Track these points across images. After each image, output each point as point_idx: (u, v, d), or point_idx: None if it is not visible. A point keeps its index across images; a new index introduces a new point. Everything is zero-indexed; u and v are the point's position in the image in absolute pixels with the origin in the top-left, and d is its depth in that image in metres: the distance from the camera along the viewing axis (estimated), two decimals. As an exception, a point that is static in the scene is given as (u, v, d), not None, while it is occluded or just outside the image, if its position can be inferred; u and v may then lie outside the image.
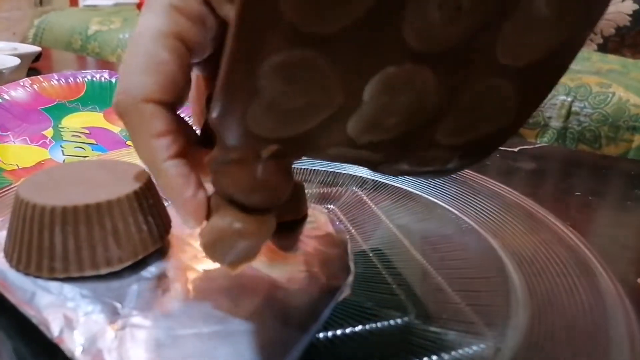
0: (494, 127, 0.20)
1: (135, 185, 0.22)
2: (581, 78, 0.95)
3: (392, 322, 0.22)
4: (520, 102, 0.19)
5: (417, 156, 0.20)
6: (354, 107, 0.16)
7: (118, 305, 0.19)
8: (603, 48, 1.36)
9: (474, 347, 0.21)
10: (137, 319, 0.19)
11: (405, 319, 0.22)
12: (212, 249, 0.19)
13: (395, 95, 0.16)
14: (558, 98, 0.92)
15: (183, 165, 0.18)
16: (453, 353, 0.20)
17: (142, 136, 0.18)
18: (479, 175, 0.36)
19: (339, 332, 0.21)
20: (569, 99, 0.92)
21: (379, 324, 0.22)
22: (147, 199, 0.22)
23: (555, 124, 0.93)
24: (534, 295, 0.24)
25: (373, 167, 0.21)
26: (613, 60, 1.17)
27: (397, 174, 0.22)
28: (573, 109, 0.91)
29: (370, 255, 0.27)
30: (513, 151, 0.53)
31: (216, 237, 0.18)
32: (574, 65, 1.13)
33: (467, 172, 0.36)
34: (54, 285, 0.20)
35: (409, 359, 0.20)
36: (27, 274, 0.21)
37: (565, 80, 0.94)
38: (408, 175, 0.24)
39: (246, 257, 0.19)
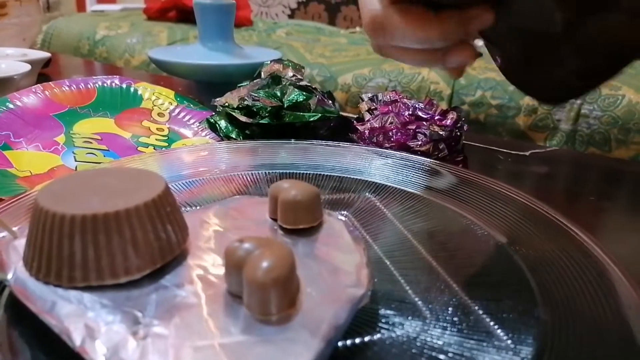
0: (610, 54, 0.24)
1: (153, 193, 0.22)
2: (590, 80, 0.95)
3: (410, 330, 0.22)
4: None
5: (598, 24, 0.24)
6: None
7: (139, 314, 0.19)
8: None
9: (493, 356, 0.21)
10: (158, 328, 0.19)
11: (424, 327, 0.22)
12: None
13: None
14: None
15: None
16: (474, 362, 0.20)
17: None
18: (491, 179, 0.36)
19: (357, 340, 0.21)
20: (578, 102, 0.91)
21: (397, 332, 0.22)
22: (165, 207, 0.22)
23: (565, 126, 0.92)
24: (552, 302, 0.24)
25: (548, 43, 0.26)
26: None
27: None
28: (582, 111, 0.91)
29: (387, 262, 0.27)
30: (524, 155, 0.52)
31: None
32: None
33: (479, 176, 0.36)
34: (73, 294, 0.20)
35: (430, 368, 0.20)
36: (46, 282, 0.21)
37: (574, 82, 0.94)
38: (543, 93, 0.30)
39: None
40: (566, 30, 0.24)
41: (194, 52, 0.65)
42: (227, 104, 0.46)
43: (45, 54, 0.76)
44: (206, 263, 0.23)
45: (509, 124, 0.96)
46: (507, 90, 0.97)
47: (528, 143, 0.85)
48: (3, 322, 0.21)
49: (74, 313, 0.19)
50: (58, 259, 0.20)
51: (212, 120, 0.47)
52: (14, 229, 0.25)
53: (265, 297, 0.19)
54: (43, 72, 0.79)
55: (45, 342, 0.20)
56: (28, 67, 0.63)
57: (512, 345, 0.21)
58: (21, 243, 0.23)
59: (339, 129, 0.47)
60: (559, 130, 0.93)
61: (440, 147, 0.41)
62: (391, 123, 0.42)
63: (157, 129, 0.49)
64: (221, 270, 0.22)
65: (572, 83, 0.26)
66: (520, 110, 0.95)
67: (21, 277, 0.21)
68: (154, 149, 0.46)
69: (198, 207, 0.32)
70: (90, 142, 0.45)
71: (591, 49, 0.24)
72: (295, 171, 0.39)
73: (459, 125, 0.42)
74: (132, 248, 0.21)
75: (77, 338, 0.18)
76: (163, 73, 0.73)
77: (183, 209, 0.32)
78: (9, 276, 0.22)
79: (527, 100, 0.95)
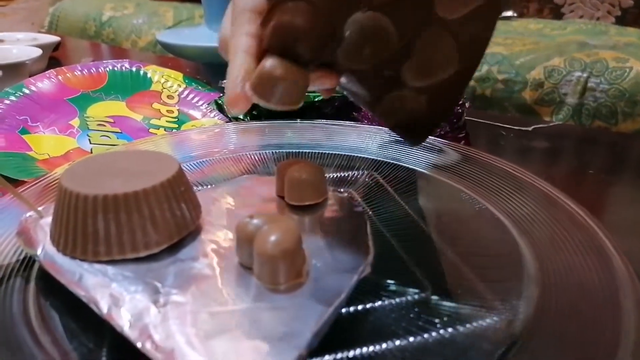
0: (446, 74, 0.27)
1: (169, 174, 0.24)
2: (597, 53, 0.94)
3: (409, 297, 0.24)
4: (461, 53, 0.26)
5: (395, 96, 0.28)
6: (339, 39, 0.24)
7: (158, 284, 0.21)
8: (621, 20, 1.33)
9: (488, 320, 0.22)
10: (176, 297, 0.20)
11: (423, 294, 0.24)
12: (258, 89, 0.23)
13: (364, 35, 0.24)
14: (574, 74, 0.91)
15: (249, 62, 0.24)
16: (468, 326, 0.22)
17: (239, 30, 0.25)
18: (493, 157, 0.37)
19: (360, 307, 0.23)
20: (585, 75, 0.91)
21: (397, 300, 0.23)
22: (179, 187, 0.24)
23: (571, 100, 0.92)
24: (545, 272, 0.25)
25: (368, 105, 0.30)
26: (632, 33, 1.15)
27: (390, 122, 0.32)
28: (589, 85, 0.91)
29: (388, 235, 0.29)
30: (527, 130, 0.53)
31: (260, 79, 0.23)
32: (590, 40, 1.11)
33: (481, 153, 0.37)
34: (98, 267, 0.22)
35: (427, 331, 0.22)
36: (73, 257, 0.23)
37: (581, 55, 0.93)
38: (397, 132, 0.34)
39: (288, 101, 0.23)
40: (373, 104, 0.29)
41: (201, 34, 0.66)
42: (234, 86, 0.47)
43: (55, 38, 0.78)
44: (218, 238, 0.25)
45: (515, 99, 0.96)
46: (514, 64, 0.97)
47: (531, 118, 0.85)
48: (34, 293, 0.23)
49: (99, 284, 0.21)
50: (83, 236, 0.22)
51: (220, 102, 0.48)
52: (39, 208, 0.27)
53: (274, 268, 0.21)
54: (53, 56, 0.80)
55: (70, 311, 0.22)
56: (39, 51, 0.64)
57: (505, 310, 0.23)
58: (46, 222, 0.25)
59: (343, 109, 0.48)
60: (565, 104, 0.92)
61: (442, 124, 0.42)
62: (394, 102, 0.43)
63: (167, 110, 0.51)
64: (232, 244, 0.24)
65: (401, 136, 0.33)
66: (527, 85, 0.95)
67: (50, 253, 0.23)
68: (165, 130, 0.48)
69: (209, 186, 0.33)
70: (104, 125, 0.47)
71: (392, 114, 0.30)
72: (301, 150, 0.40)
73: (460, 102, 0.43)
74: (151, 225, 0.23)
75: (104, 306, 0.20)
76: (170, 54, 0.74)
77: (195, 188, 0.34)
78: (39, 252, 0.23)
79: (534, 75, 0.95)
